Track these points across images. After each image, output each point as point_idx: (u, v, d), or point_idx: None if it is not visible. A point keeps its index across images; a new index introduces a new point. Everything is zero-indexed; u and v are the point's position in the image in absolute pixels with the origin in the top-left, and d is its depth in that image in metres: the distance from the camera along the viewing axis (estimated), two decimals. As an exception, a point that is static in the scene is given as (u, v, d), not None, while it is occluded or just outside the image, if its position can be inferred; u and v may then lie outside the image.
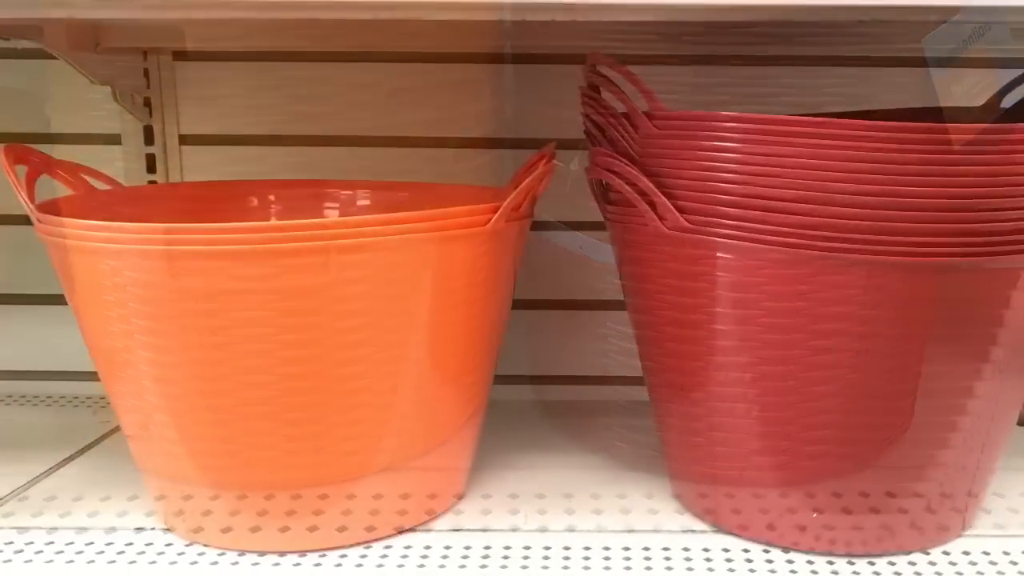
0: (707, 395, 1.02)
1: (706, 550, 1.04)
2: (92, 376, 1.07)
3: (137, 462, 1.08)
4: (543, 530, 1.09)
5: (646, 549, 1.04)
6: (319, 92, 1.49)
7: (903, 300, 0.90)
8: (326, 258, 0.92)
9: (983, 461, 1.02)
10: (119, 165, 1.50)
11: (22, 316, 1.58)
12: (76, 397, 1.57)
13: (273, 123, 1.49)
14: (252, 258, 0.90)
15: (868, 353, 0.92)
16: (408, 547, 1.05)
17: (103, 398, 1.53)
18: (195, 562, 1.01)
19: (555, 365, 1.58)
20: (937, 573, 0.99)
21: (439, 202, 1.04)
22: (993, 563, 1.01)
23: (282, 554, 1.02)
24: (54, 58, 1.31)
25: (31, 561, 1.01)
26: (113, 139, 1.50)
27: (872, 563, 1.01)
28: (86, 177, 1.16)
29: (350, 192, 1.34)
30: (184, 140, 1.50)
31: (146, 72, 1.48)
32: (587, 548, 1.05)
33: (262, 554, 1.02)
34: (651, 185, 0.96)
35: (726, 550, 1.04)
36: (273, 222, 1.27)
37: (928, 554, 1.03)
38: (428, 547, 1.05)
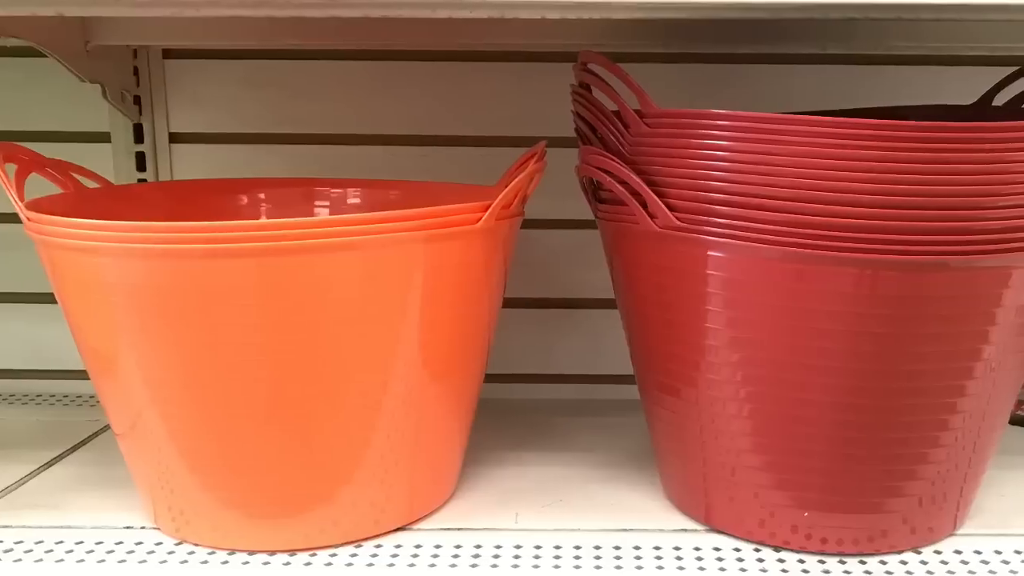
0: (697, 394, 1.02)
1: (697, 549, 1.04)
2: (82, 375, 1.07)
3: (127, 461, 1.07)
4: (534, 529, 1.09)
5: (637, 548, 1.04)
6: (309, 90, 1.49)
7: (894, 298, 0.90)
8: (316, 257, 0.91)
9: (975, 460, 1.02)
10: (109, 163, 1.50)
11: (11, 314, 1.58)
12: (66, 396, 1.57)
13: (263, 121, 1.49)
14: (242, 257, 0.90)
15: (859, 352, 0.92)
16: (398, 545, 1.05)
17: (93, 397, 1.53)
18: (185, 561, 1.01)
19: (546, 364, 1.58)
20: (928, 572, 0.99)
21: (430, 200, 1.04)
22: (985, 562, 1.01)
23: (272, 553, 1.02)
24: (43, 56, 1.31)
25: (20, 560, 1.01)
26: (103, 137, 1.50)
27: (863, 562, 1.01)
28: (76, 175, 1.16)
29: (340, 191, 1.33)
30: (174, 138, 1.50)
31: (136, 70, 1.48)
32: (577, 547, 1.05)
33: (252, 553, 1.02)
34: (642, 183, 0.96)
35: (717, 549, 1.04)
36: (263, 221, 1.27)
37: (919, 553, 1.03)
38: (418, 545, 1.05)
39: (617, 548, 1.04)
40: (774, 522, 1.03)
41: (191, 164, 1.51)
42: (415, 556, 1.02)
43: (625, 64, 1.01)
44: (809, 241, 0.88)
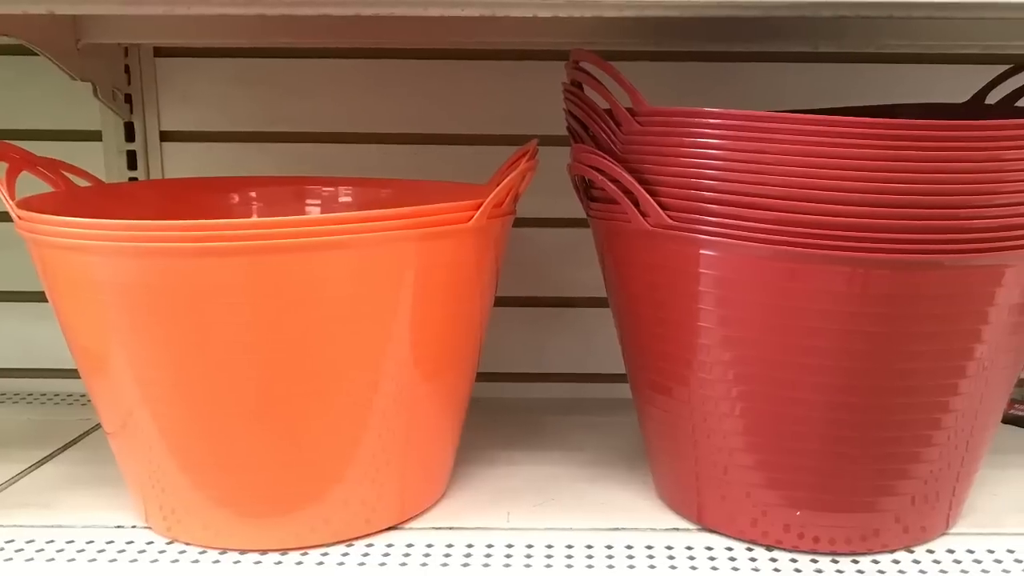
0: (689, 392, 1.02)
1: (689, 548, 1.04)
2: (73, 374, 1.06)
3: (118, 460, 1.07)
4: (525, 528, 1.09)
5: (629, 547, 1.04)
6: (301, 89, 1.48)
7: (887, 297, 0.89)
8: (307, 256, 0.91)
9: (968, 459, 1.02)
10: (100, 162, 1.49)
11: (2, 313, 1.58)
12: (57, 394, 1.57)
13: (254, 120, 1.49)
14: (233, 255, 0.90)
15: (851, 350, 0.92)
16: (390, 545, 1.05)
17: (84, 395, 1.53)
18: (176, 560, 1.01)
19: (538, 363, 1.58)
20: (921, 572, 0.99)
21: (421, 199, 1.04)
22: (977, 561, 1.01)
23: (263, 552, 1.02)
24: (34, 54, 1.31)
25: (11, 560, 1.01)
26: (94, 136, 1.50)
27: (856, 561, 1.01)
28: (67, 174, 1.16)
29: (332, 189, 1.33)
30: (165, 137, 1.50)
31: (127, 68, 1.48)
32: (569, 546, 1.04)
33: (243, 552, 1.02)
34: (634, 182, 0.96)
35: (709, 548, 1.04)
36: (254, 219, 1.27)
37: (912, 552, 1.03)
38: (410, 544, 1.05)
39: (609, 547, 1.04)
40: (766, 521, 1.03)
41: (182, 162, 1.51)
42: (406, 555, 1.02)
43: (617, 62, 1.01)
44: (801, 240, 0.88)
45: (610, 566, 1.00)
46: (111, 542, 1.05)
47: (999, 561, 1.02)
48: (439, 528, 1.09)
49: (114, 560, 1.01)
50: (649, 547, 1.04)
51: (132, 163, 1.50)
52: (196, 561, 1.01)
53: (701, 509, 1.08)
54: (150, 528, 1.07)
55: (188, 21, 1.37)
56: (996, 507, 1.14)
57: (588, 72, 1.05)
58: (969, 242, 0.87)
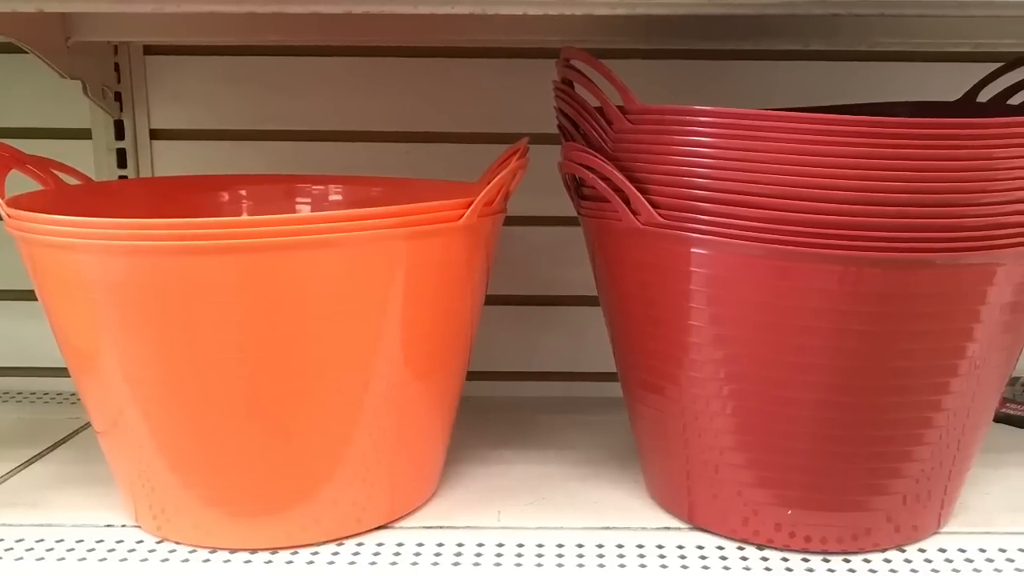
0: (681, 392, 1.02)
1: (680, 547, 1.04)
2: (63, 372, 1.06)
3: (108, 459, 1.07)
4: (516, 527, 1.08)
5: (620, 546, 1.04)
6: (291, 86, 1.48)
7: (878, 295, 0.89)
8: (297, 254, 0.91)
9: (959, 458, 1.02)
10: (89, 160, 1.49)
11: (-8, 312, 1.58)
12: (47, 393, 1.57)
13: (244, 118, 1.49)
14: (222, 254, 0.90)
15: (843, 349, 0.92)
16: (380, 544, 1.04)
17: (73, 394, 1.53)
18: (166, 559, 1.01)
19: (529, 361, 1.58)
20: (913, 571, 0.99)
21: (412, 197, 1.03)
22: (969, 560, 1.01)
23: (253, 551, 1.02)
24: (24, 52, 1.30)
25: (0, 559, 1.01)
26: (83, 134, 1.50)
27: (847, 560, 1.01)
28: (56, 172, 1.15)
29: (322, 187, 1.33)
30: (155, 135, 1.50)
31: (117, 66, 1.48)
32: (560, 545, 1.04)
33: (233, 551, 1.02)
34: (624, 180, 0.96)
35: (700, 547, 1.04)
36: (244, 218, 1.27)
37: (904, 551, 1.03)
38: (400, 544, 1.04)
39: (600, 546, 1.04)
40: (757, 520, 1.02)
41: (172, 160, 1.51)
42: (397, 554, 1.02)
43: (608, 60, 1.01)
44: (792, 238, 0.88)
45: (601, 565, 1.00)
46: (101, 541, 1.05)
47: (991, 560, 1.01)
48: (429, 527, 1.08)
49: (104, 559, 1.01)
50: (640, 546, 1.04)
51: (122, 161, 1.50)
52: (186, 560, 1.01)
53: (692, 508, 1.07)
54: (140, 527, 1.07)
55: (178, 19, 1.36)
56: (988, 506, 1.13)
57: (579, 70, 1.05)
58: (961, 240, 0.87)
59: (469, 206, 1.00)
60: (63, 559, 1.01)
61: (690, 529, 1.08)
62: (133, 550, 1.03)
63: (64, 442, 1.34)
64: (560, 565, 1.00)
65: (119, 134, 1.49)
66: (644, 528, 1.08)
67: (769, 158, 0.87)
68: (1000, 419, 1.38)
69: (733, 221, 0.90)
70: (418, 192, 1.16)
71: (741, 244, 0.90)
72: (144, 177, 1.50)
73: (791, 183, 0.87)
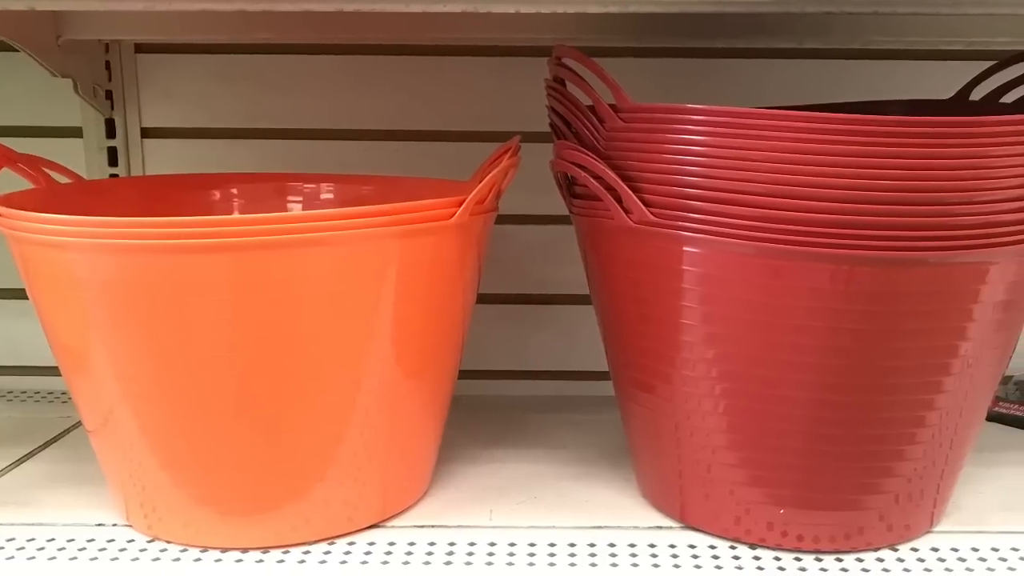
0: (673, 390, 1.02)
1: (672, 546, 1.04)
2: (54, 371, 1.06)
3: (99, 458, 1.07)
4: (508, 526, 1.08)
5: (612, 545, 1.04)
6: (282, 85, 1.48)
7: (871, 294, 0.89)
8: (289, 252, 0.91)
9: (952, 457, 1.02)
10: (80, 158, 1.49)
11: (-17, 310, 1.57)
12: (37, 392, 1.56)
13: (236, 116, 1.49)
14: (214, 252, 0.89)
15: (835, 348, 0.92)
16: (372, 543, 1.04)
17: (64, 393, 1.53)
18: (157, 558, 1.01)
19: (520, 360, 1.58)
20: (905, 570, 0.99)
21: (403, 196, 1.03)
22: (962, 559, 1.01)
23: (244, 550, 1.02)
24: (14, 50, 1.30)
25: (-9, 558, 1.01)
26: (74, 132, 1.50)
27: (840, 559, 1.01)
28: (47, 170, 1.15)
29: (313, 186, 1.33)
30: (146, 133, 1.50)
31: (108, 64, 1.48)
32: (552, 544, 1.04)
33: (224, 550, 1.02)
34: (616, 178, 0.96)
35: (692, 546, 1.04)
36: (235, 216, 1.26)
37: (896, 550, 1.03)
38: (392, 543, 1.04)
39: (591, 545, 1.04)
40: (750, 519, 1.02)
41: (163, 159, 1.50)
42: (388, 553, 1.02)
43: (600, 58, 1.01)
44: (785, 237, 0.88)
45: (592, 564, 1.00)
46: (92, 540, 1.04)
47: (983, 559, 1.01)
48: (421, 526, 1.08)
49: (95, 558, 1.01)
50: (632, 545, 1.04)
51: (113, 160, 1.50)
52: (177, 559, 1.00)
53: (684, 507, 1.07)
54: (131, 526, 1.07)
55: (169, 17, 1.36)
56: (981, 505, 1.13)
57: (571, 68, 1.04)
58: (954, 239, 0.87)
59: (461, 204, 1.00)
60: (54, 558, 1.01)
61: (682, 528, 1.08)
62: (124, 549, 1.03)
63: (55, 441, 1.34)
64: (552, 564, 1.00)
65: (110, 132, 1.49)
66: (636, 527, 1.08)
67: (762, 156, 0.87)
68: (993, 418, 1.38)
69: (725, 220, 0.90)
70: (410, 190, 1.16)
71: (733, 243, 0.90)
72: (135, 176, 1.50)
73: (784, 182, 0.87)
